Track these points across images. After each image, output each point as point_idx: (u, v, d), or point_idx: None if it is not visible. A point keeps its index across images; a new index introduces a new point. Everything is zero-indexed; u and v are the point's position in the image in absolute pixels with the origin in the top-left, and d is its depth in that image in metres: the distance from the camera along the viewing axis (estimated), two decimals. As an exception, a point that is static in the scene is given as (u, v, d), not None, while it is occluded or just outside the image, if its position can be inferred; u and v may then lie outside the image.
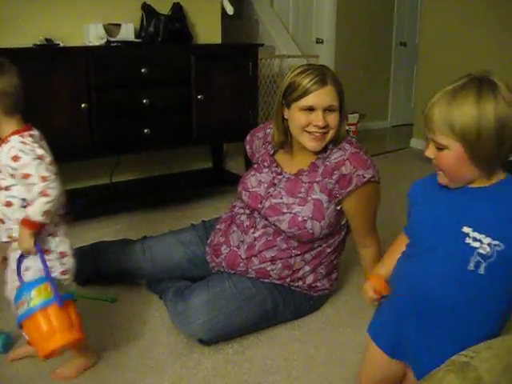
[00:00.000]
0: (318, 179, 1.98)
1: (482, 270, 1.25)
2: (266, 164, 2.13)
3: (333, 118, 1.93)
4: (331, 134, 1.95)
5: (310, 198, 1.98)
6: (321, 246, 2.07)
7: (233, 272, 2.07)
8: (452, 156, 1.26)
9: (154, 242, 2.31)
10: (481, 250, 1.25)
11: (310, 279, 2.09)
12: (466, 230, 1.28)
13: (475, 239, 1.26)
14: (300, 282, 2.08)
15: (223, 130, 3.53)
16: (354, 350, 1.99)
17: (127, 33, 3.27)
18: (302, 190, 1.99)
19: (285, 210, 1.98)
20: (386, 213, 3.37)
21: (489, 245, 1.24)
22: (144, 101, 3.12)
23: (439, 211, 1.39)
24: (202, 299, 1.93)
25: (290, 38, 5.70)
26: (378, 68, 6.72)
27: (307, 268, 2.07)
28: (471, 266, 1.26)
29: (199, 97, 3.31)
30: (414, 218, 1.50)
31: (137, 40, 3.32)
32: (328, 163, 1.98)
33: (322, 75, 1.90)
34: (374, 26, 6.50)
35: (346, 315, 2.23)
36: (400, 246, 1.55)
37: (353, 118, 5.42)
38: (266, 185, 2.08)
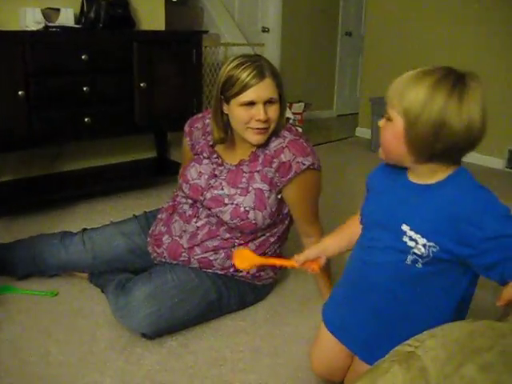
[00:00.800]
0: (258, 168, 1.96)
1: (419, 265, 1.29)
2: (205, 155, 2.09)
3: (273, 110, 1.90)
4: (273, 126, 1.93)
5: (251, 188, 1.96)
6: (264, 235, 2.06)
7: (175, 262, 2.04)
8: (393, 129, 1.28)
9: (95, 234, 2.25)
10: (415, 250, 1.28)
11: (253, 269, 2.07)
12: (404, 227, 1.30)
13: (411, 238, 1.28)
14: (244, 272, 2.06)
15: (167, 119, 3.47)
16: (300, 339, 1.98)
17: (66, 18, 3.15)
18: (243, 180, 1.97)
19: (226, 201, 1.96)
20: (330, 201, 3.40)
21: (424, 246, 1.26)
22: (84, 88, 3.03)
23: (386, 203, 1.40)
24: (144, 292, 1.88)
25: (235, 26, 5.65)
26: (323, 57, 6.76)
27: None
28: (408, 261, 1.30)
29: (142, 85, 3.23)
30: (365, 204, 1.53)
31: (77, 26, 3.20)
32: (268, 151, 1.96)
33: (259, 68, 1.85)
34: (320, 16, 6.53)
35: (292, 305, 2.22)
36: (352, 223, 1.61)
37: (298, 107, 5.42)
38: (206, 176, 2.04)
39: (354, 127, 5.94)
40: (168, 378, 1.75)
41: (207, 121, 2.13)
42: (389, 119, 1.29)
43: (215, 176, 2.03)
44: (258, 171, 1.96)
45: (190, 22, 5.38)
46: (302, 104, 5.58)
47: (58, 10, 3.14)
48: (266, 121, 1.88)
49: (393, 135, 1.28)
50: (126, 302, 1.89)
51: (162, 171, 3.84)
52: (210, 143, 2.09)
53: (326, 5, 6.55)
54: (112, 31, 3.23)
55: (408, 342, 0.93)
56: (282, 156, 1.92)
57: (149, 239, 2.16)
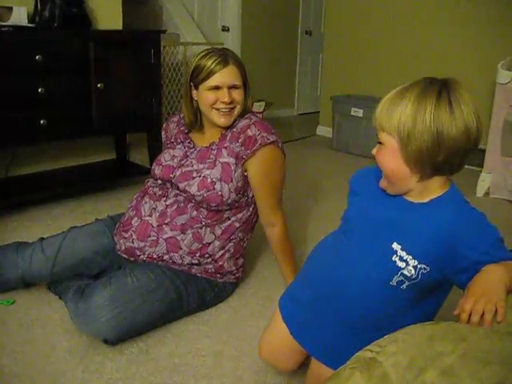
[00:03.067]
0: (225, 145, 2.07)
1: (404, 287, 1.26)
2: (179, 140, 2.21)
3: (238, 94, 2.06)
4: (238, 108, 2.08)
5: (218, 162, 2.06)
6: (229, 219, 2.11)
7: (142, 245, 2.04)
8: (388, 152, 1.24)
9: (55, 239, 2.19)
10: (405, 272, 1.25)
11: (218, 256, 2.10)
12: (395, 246, 1.27)
13: (402, 259, 1.25)
14: (209, 259, 2.08)
15: (125, 120, 3.41)
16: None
17: (19, 17, 3.08)
18: (211, 155, 2.08)
19: (194, 175, 2.05)
20: (291, 199, 3.40)
21: (414, 267, 1.24)
22: (39, 90, 2.95)
23: (376, 215, 1.36)
24: (104, 296, 1.85)
25: (195, 25, 5.60)
26: (284, 56, 6.77)
27: (217, 243, 2.09)
28: (393, 282, 1.27)
29: (99, 85, 3.17)
30: (351, 209, 1.48)
31: (30, 25, 3.12)
32: (235, 129, 2.08)
33: (223, 56, 2.03)
34: (279, 14, 6.53)
35: (254, 307, 2.20)
36: None
37: (259, 105, 5.41)
38: (179, 158, 2.15)
39: (315, 126, 5.96)
40: (129, 387, 1.71)
41: (182, 114, 2.25)
42: (381, 143, 1.26)
43: (186, 156, 2.14)
44: (225, 147, 2.07)
45: (149, 21, 5.31)
46: (263, 103, 5.57)
47: (11, 8, 3.06)
48: (231, 102, 2.04)
49: (390, 158, 1.25)
50: (85, 307, 1.85)
51: (122, 173, 3.78)
52: (185, 131, 2.22)
53: (286, 3, 6.55)
54: (67, 31, 3.16)
55: (369, 347, 0.92)
56: (249, 131, 2.05)
57: (116, 228, 2.17)
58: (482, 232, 1.23)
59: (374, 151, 1.30)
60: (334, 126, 5.17)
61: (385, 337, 0.95)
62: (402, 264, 1.25)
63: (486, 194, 3.85)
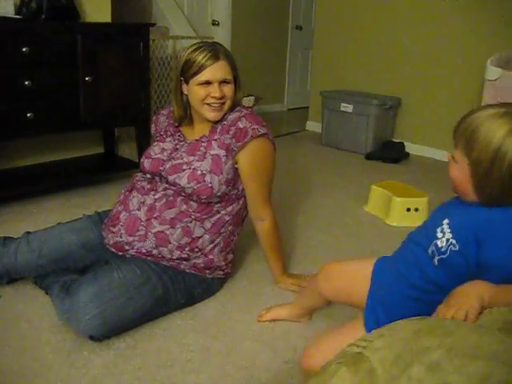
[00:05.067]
0: (216, 137, 2.07)
1: (435, 262, 1.31)
2: (169, 133, 2.20)
3: (228, 89, 2.05)
4: (228, 103, 2.07)
5: (208, 154, 2.05)
6: (219, 212, 2.10)
7: (130, 239, 2.02)
8: (459, 172, 1.26)
9: (42, 234, 2.17)
10: (438, 242, 1.30)
11: (208, 249, 2.09)
12: (445, 221, 1.30)
13: (442, 230, 1.30)
14: (199, 253, 2.07)
15: (114, 114, 3.39)
16: (251, 337, 1.96)
17: (6, 8, 3.05)
18: (202, 148, 2.07)
19: (185, 167, 2.04)
20: (281, 194, 3.40)
21: (447, 240, 1.28)
22: (26, 82, 2.92)
23: (440, 210, 1.42)
24: (89, 293, 1.83)
25: (184, 19, 5.58)
26: (274, 51, 6.75)
27: (206, 237, 2.07)
28: (429, 251, 1.32)
29: (87, 78, 3.14)
30: None
31: (17, 16, 3.09)
32: (225, 122, 2.08)
33: (214, 51, 2.01)
34: (270, 9, 6.51)
35: (243, 302, 2.20)
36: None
37: (248, 100, 5.39)
38: (169, 151, 2.14)
39: (304, 121, 5.95)
40: (116, 382, 1.70)
41: (172, 108, 2.24)
42: (454, 159, 1.27)
43: (177, 149, 2.13)
44: (215, 139, 2.07)
45: (138, 15, 5.28)
46: (253, 98, 5.55)
47: (-3, 0, 3.02)
48: (222, 97, 2.03)
49: (459, 176, 1.27)
50: (71, 304, 1.84)
51: (110, 168, 3.75)
52: (175, 124, 2.21)
53: (276, -2, 6.54)
54: (55, 23, 3.13)
55: (356, 342, 0.92)
56: (239, 123, 2.05)
57: (104, 223, 2.15)
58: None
59: (448, 158, 1.31)
60: (323, 121, 5.16)
61: (372, 332, 0.94)
62: (440, 234, 1.30)
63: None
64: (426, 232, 1.37)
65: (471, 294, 1.16)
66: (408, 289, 1.39)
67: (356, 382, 0.78)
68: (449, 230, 1.28)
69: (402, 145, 4.93)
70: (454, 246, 1.26)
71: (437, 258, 1.30)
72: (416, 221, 3.14)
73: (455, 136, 1.26)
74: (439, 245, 1.29)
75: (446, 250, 1.27)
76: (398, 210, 3.14)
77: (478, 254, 1.24)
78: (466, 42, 4.49)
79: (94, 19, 3.57)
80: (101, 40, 3.22)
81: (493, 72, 3.57)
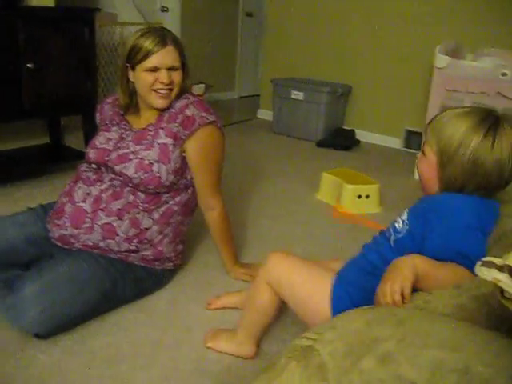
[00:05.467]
0: (163, 125, 2.03)
1: (391, 242, 1.40)
2: (114, 122, 2.14)
3: (176, 75, 2.02)
4: (176, 90, 2.04)
5: (155, 143, 2.00)
6: (168, 202, 2.06)
7: (76, 232, 1.95)
8: (427, 164, 1.39)
9: None
10: (396, 224, 1.42)
11: (157, 241, 2.05)
12: (406, 210, 1.43)
13: (401, 216, 1.43)
14: (147, 245, 2.03)
15: (59, 103, 3.28)
16: (202, 328, 1.93)
17: None
18: (149, 136, 2.03)
19: (131, 157, 1.99)
20: (233, 181, 3.37)
21: (403, 221, 1.40)
22: (-36, 70, 2.79)
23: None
24: (34, 289, 1.76)
25: (132, 5, 5.44)
26: (224, 38, 6.69)
27: (155, 228, 2.03)
28: (387, 235, 1.44)
29: (29, 65, 3.03)
30: None
31: (-47, 1, 2.94)
32: (172, 110, 2.04)
33: (162, 36, 1.97)
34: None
35: (194, 293, 2.16)
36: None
37: (199, 88, 5.32)
38: (114, 141, 2.08)
39: (255, 109, 5.92)
40: (63, 380, 1.64)
41: (118, 96, 2.19)
42: (424, 154, 1.40)
43: (122, 139, 2.07)
44: (162, 128, 2.02)
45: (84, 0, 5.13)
46: (203, 86, 5.49)
47: None
48: (169, 84, 1.99)
49: (427, 170, 1.40)
50: (14, 301, 1.76)
51: (56, 158, 3.64)
52: (121, 113, 2.16)
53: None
54: (-6, 7, 2.99)
55: (306, 334, 0.89)
56: (187, 111, 2.01)
57: (49, 216, 2.07)
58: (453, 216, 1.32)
59: (418, 155, 1.45)
60: (274, 109, 5.14)
61: (323, 323, 0.92)
62: (399, 219, 1.42)
63: (424, 176, 3.90)
64: (390, 225, 1.47)
65: (404, 266, 1.22)
66: (366, 265, 1.47)
67: (306, 377, 0.76)
68: (406, 213, 1.41)
69: (352, 132, 4.96)
70: (407, 225, 1.37)
71: (392, 239, 1.40)
72: (367, 208, 3.17)
73: (427, 131, 1.39)
74: (396, 226, 1.41)
75: (401, 231, 1.38)
76: (350, 197, 3.15)
77: (423, 235, 1.32)
78: (416, 31, 4.53)
79: (36, 3, 3.42)
80: (43, 25, 3.10)
81: (441, 60, 3.61)
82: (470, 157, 1.28)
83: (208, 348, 1.82)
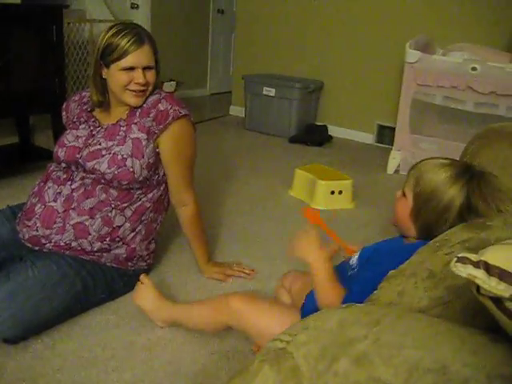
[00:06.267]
0: (135, 120, 2.01)
1: (348, 275, 1.53)
2: (82, 120, 2.10)
3: (151, 75, 2.00)
4: (150, 89, 2.03)
5: (128, 138, 1.98)
6: (140, 199, 2.04)
7: (48, 233, 1.92)
8: (404, 205, 1.44)
9: None
10: (350, 261, 1.58)
11: (129, 238, 2.03)
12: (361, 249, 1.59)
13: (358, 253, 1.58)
14: (120, 243, 2.01)
15: (27, 101, 3.22)
16: (175, 329, 1.90)
17: None
18: (121, 132, 2.00)
19: (104, 153, 1.97)
20: (205, 179, 3.34)
21: (356, 259, 1.56)
22: None
23: None
24: (2, 293, 1.71)
25: (102, 1, 5.37)
26: (195, 35, 6.64)
27: (127, 225, 2.01)
28: (347, 267, 1.58)
29: (-5, 64, 2.96)
30: None
31: None
32: (145, 105, 2.03)
33: (138, 35, 1.94)
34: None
35: (167, 293, 2.11)
36: None
37: (170, 85, 5.29)
38: (84, 138, 2.04)
39: (227, 106, 5.90)
40: (33, 386, 1.61)
41: (84, 93, 2.19)
42: (404, 195, 1.46)
43: (93, 136, 2.04)
44: (135, 123, 2.00)
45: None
46: (174, 83, 5.45)
47: None
48: (145, 84, 1.97)
49: (403, 210, 1.45)
50: (-19, 305, 1.71)
51: (26, 158, 3.57)
52: (88, 109, 2.12)
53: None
54: (-43, 5, 2.92)
55: (280, 335, 0.87)
56: (160, 105, 2.00)
57: (19, 217, 2.04)
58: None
59: (397, 194, 1.50)
60: (246, 105, 5.12)
61: (296, 324, 0.91)
62: (355, 255, 1.58)
63: (397, 171, 3.93)
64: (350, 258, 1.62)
65: (310, 248, 1.50)
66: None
67: (280, 381, 0.74)
68: (359, 252, 1.57)
69: (325, 128, 4.96)
70: (357, 265, 1.52)
71: (350, 273, 1.53)
72: (340, 203, 3.17)
73: (408, 175, 1.46)
74: (350, 263, 1.56)
75: (355, 268, 1.53)
76: (323, 193, 3.14)
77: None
78: (387, 26, 4.55)
79: (1, 0, 3.36)
80: (9, 22, 3.03)
81: (412, 55, 3.63)
82: (443, 205, 1.35)
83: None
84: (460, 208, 1.34)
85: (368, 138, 4.84)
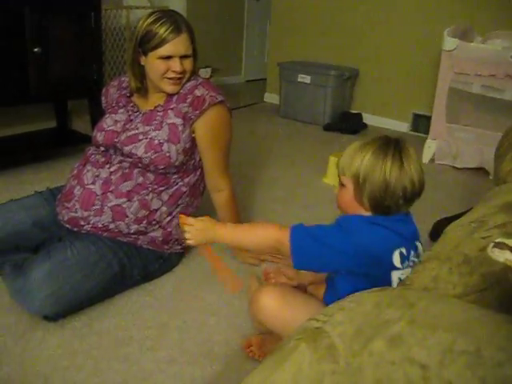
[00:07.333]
0: (172, 106, 2.03)
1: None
2: (121, 104, 2.14)
3: (188, 63, 2.01)
4: (187, 77, 2.05)
5: (165, 123, 2.01)
6: (177, 183, 2.07)
7: (86, 215, 1.96)
8: (347, 193, 1.48)
9: None
10: None
11: (165, 222, 2.06)
12: None
13: None
14: (156, 226, 2.04)
15: (65, 87, 3.27)
16: (207, 312, 1.94)
17: None
18: (158, 117, 2.03)
19: (141, 137, 2.00)
20: (239, 167, 3.36)
21: None
22: (-28, 55, 2.78)
23: None
24: (43, 271, 1.77)
25: (138, -12, 5.41)
26: (231, 22, 6.64)
27: (164, 209, 2.04)
28: None
29: (36, 50, 3.01)
30: None
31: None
32: (182, 91, 2.05)
33: (176, 23, 1.95)
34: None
35: (200, 277, 2.16)
36: None
37: (205, 72, 5.31)
38: (122, 122, 2.08)
39: (262, 93, 5.89)
40: (71, 362, 1.65)
41: (123, 79, 2.22)
42: (342, 185, 1.50)
43: (131, 121, 2.08)
44: (171, 108, 2.03)
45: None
46: (209, 69, 5.47)
47: None
48: (182, 72, 1.99)
49: (348, 199, 1.48)
50: (24, 283, 1.77)
51: (63, 142, 3.63)
52: (127, 95, 2.16)
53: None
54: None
55: (316, 316, 0.89)
56: (196, 91, 2.02)
57: (58, 199, 2.08)
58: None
59: (336, 190, 1.55)
60: (281, 92, 5.12)
61: (332, 305, 0.92)
62: None
63: (432, 160, 3.89)
64: None
65: (205, 227, 1.61)
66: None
67: (316, 359, 0.76)
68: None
69: (359, 116, 4.93)
70: None
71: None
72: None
73: (338, 168, 1.51)
74: None
75: None
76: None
77: None
78: (424, 13, 4.48)
79: (41, -13, 3.42)
80: (50, 9, 3.08)
81: (450, 42, 3.58)
82: (384, 177, 1.38)
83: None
84: (392, 174, 1.38)
85: (403, 126, 4.79)
